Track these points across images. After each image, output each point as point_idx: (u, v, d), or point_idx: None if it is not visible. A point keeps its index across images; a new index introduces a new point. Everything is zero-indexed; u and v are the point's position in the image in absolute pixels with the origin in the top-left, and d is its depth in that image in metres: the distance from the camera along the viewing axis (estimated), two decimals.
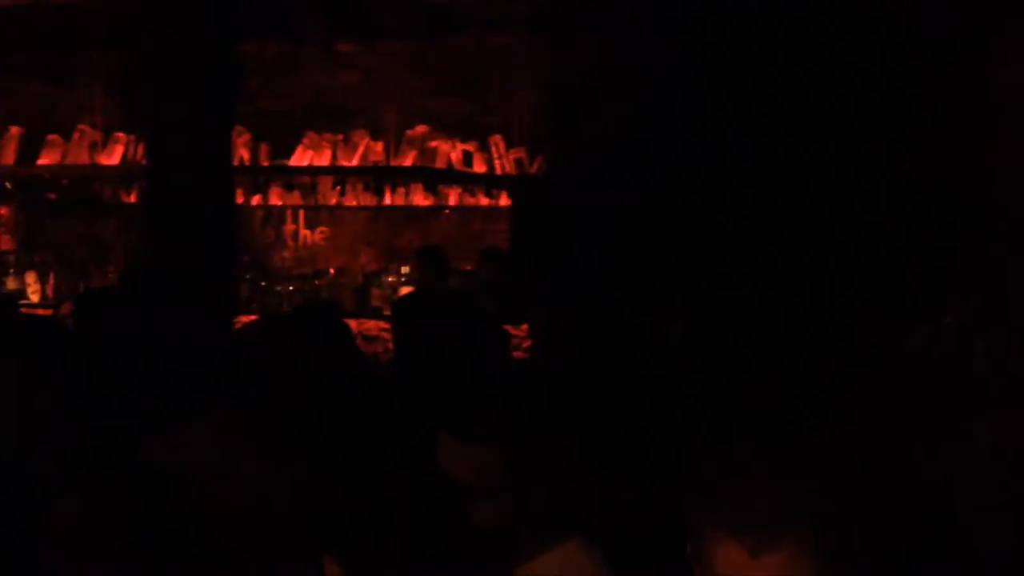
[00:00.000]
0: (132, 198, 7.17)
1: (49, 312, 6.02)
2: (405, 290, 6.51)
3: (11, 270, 7.09)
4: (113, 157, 7.01)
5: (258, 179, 7.09)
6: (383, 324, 6.44)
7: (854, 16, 5.60)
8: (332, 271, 7.38)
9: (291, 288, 7.01)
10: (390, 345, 5.26)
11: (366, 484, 1.69)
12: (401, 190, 7.46)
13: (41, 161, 7.06)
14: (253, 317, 4.91)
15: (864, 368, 2.51)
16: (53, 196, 7.33)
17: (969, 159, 5.14)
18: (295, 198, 7.46)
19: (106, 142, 7.05)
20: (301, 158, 6.92)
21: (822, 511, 1.31)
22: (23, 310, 5.13)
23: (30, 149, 7.18)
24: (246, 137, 6.97)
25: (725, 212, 6.18)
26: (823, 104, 5.90)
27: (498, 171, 7.29)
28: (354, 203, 7.46)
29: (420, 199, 7.49)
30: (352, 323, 6.20)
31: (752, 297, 3.01)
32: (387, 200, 7.48)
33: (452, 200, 7.59)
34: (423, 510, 1.76)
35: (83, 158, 7.01)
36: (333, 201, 7.42)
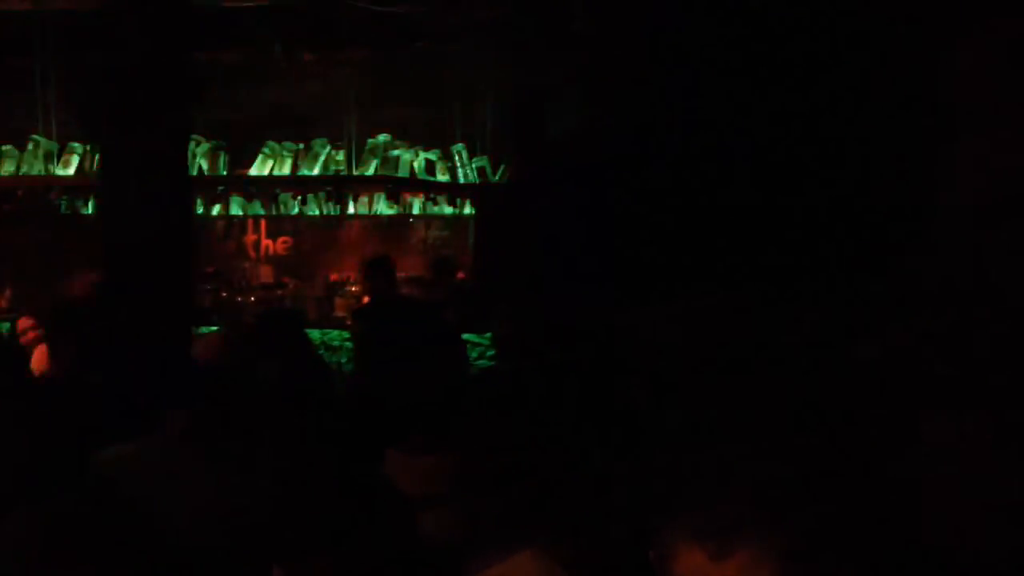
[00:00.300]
0: (89, 209, 7.08)
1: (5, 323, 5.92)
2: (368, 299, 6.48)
3: None
4: (69, 168, 6.92)
5: (217, 189, 7.02)
6: (346, 334, 6.40)
7: (810, 27, 5.68)
8: (290, 281, 7.32)
9: (252, 298, 6.95)
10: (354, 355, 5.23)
11: (320, 494, 1.67)
12: (364, 199, 7.43)
13: None
14: (214, 328, 4.87)
15: (823, 372, 2.53)
16: (8, 207, 7.22)
17: (923, 169, 5.22)
18: (256, 208, 7.40)
19: (62, 153, 6.96)
20: (261, 168, 6.87)
21: (782, 513, 1.32)
22: None
23: None
24: (205, 147, 6.91)
25: (686, 217, 6.23)
26: (780, 108, 5.97)
27: (461, 179, 7.29)
28: (317, 212, 7.42)
29: (385, 208, 7.47)
30: (315, 333, 6.20)
31: (708, 303, 3.03)
32: (350, 209, 7.46)
33: (416, 209, 7.59)
34: (370, 521, 1.74)
35: (38, 169, 6.91)
36: (295, 210, 7.39)
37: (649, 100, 6.33)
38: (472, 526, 1.72)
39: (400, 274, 7.48)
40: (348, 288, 7.05)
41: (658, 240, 6.20)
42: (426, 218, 7.75)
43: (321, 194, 7.10)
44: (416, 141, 7.25)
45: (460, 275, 7.45)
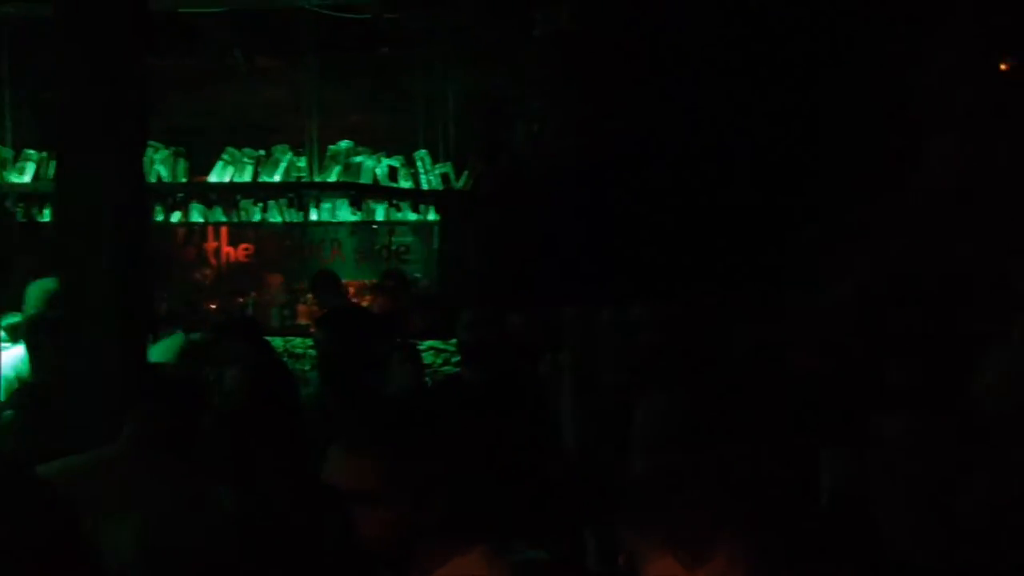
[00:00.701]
0: (46, 217, 6.96)
1: None
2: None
3: None
4: (25, 175, 6.81)
5: (176, 196, 6.94)
6: (309, 341, 6.34)
7: (757, 38, 5.73)
8: (251, 289, 7.26)
9: (213, 306, 6.87)
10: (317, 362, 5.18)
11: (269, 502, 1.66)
12: (328, 205, 7.37)
13: None
14: (174, 335, 4.80)
15: (771, 379, 2.55)
16: None
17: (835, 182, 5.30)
18: (217, 215, 7.32)
19: (17, 159, 6.85)
20: (221, 174, 6.81)
21: (751, 521, 1.33)
22: None
23: None
24: (164, 154, 6.83)
25: (648, 227, 6.28)
26: (745, 114, 6.02)
27: (424, 186, 7.26)
28: (279, 219, 7.35)
29: (347, 214, 7.41)
30: (278, 341, 6.13)
31: (660, 311, 3.05)
32: (313, 216, 7.39)
33: (380, 215, 7.53)
34: (309, 524, 1.72)
35: None
36: (257, 217, 7.31)
37: (613, 106, 6.37)
38: (414, 526, 1.70)
39: (363, 282, 7.45)
40: (311, 295, 6.99)
41: (623, 244, 6.23)
42: (390, 224, 7.70)
43: (283, 201, 7.04)
44: (379, 147, 7.22)
45: (423, 282, 7.44)
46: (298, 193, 6.85)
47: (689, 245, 6.04)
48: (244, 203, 7.20)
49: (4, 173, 6.83)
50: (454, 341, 6.22)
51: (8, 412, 3.19)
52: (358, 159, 7.00)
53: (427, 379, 5.07)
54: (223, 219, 7.33)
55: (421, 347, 5.33)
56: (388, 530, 1.64)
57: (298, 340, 6.47)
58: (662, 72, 6.13)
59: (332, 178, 6.89)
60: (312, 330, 6.40)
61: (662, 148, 6.20)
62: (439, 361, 6.60)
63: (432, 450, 1.75)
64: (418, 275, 7.50)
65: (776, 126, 5.80)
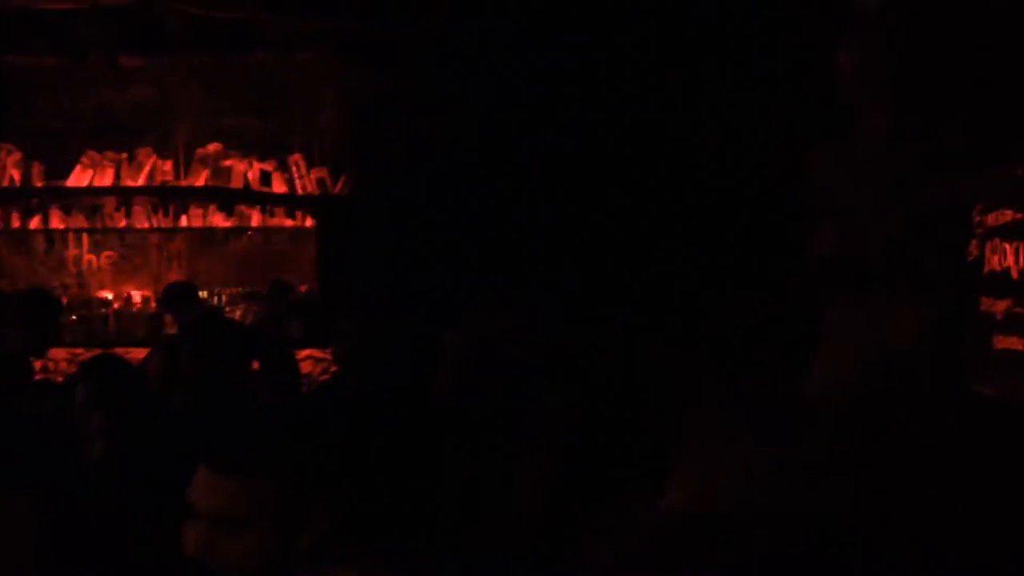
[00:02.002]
0: None
1: None
2: None
3: None
4: None
5: (31, 201, 6.59)
6: None
7: (637, 44, 5.79)
8: (115, 298, 6.95)
9: (74, 318, 6.54)
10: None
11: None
12: (199, 211, 7.12)
13: None
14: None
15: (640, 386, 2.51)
16: None
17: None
18: (79, 221, 6.99)
19: None
20: (80, 178, 6.49)
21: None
22: None
23: None
24: (17, 156, 6.48)
25: (522, 232, 6.26)
26: (626, 116, 6.07)
27: (299, 191, 7.07)
28: (146, 225, 7.07)
29: (221, 220, 7.17)
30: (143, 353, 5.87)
31: (525, 314, 2.99)
32: (183, 222, 7.13)
33: (255, 221, 7.31)
34: (173, 546, 1.62)
35: None
36: (123, 224, 7.00)
37: (497, 112, 6.33)
38: (283, 552, 1.61)
39: (237, 289, 7.22)
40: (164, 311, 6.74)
41: (507, 248, 6.19)
42: (265, 231, 7.48)
43: (147, 206, 6.77)
44: (251, 151, 7.00)
45: (303, 289, 7.25)
46: (163, 198, 6.59)
47: (574, 249, 6.04)
48: (108, 209, 6.91)
49: None
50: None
51: None
52: (228, 163, 6.77)
53: (304, 389, 4.94)
54: (85, 225, 7.01)
55: (299, 357, 5.19)
56: (254, 557, 1.57)
57: None
58: (548, 78, 6.12)
59: (200, 182, 6.65)
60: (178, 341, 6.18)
61: (548, 152, 6.19)
62: (317, 371, 6.45)
63: (305, 469, 1.67)
64: (296, 283, 7.32)
65: (662, 132, 5.85)
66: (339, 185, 7.16)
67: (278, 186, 7.05)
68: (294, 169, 7.05)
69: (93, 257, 7.13)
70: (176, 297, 5.71)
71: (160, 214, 7.00)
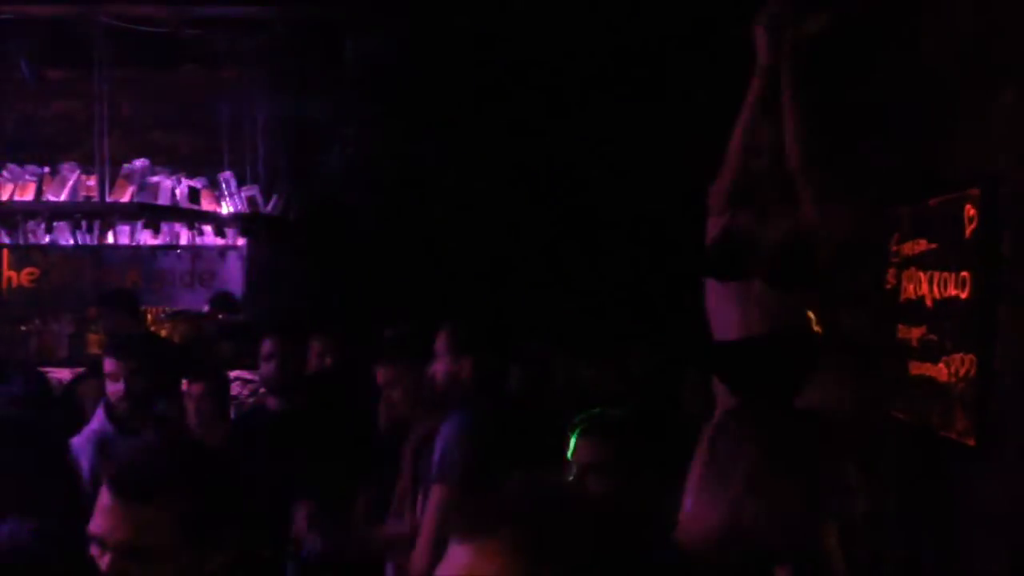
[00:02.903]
0: None
1: None
2: None
3: None
4: None
5: None
6: None
7: (559, 72, 5.84)
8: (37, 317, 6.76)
9: None
10: None
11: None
12: (126, 228, 6.97)
13: None
14: None
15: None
16: None
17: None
18: None
19: None
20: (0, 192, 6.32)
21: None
22: None
23: None
24: None
25: (449, 256, 6.26)
26: (539, 147, 6.11)
27: (229, 209, 6.97)
28: (70, 242, 6.90)
29: (148, 237, 7.03)
30: (66, 373, 5.72)
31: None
32: (109, 239, 6.97)
33: (183, 239, 7.18)
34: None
35: None
36: (45, 240, 6.82)
37: (427, 134, 6.33)
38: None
39: (162, 309, 7.08)
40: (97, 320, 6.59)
41: (437, 271, 6.17)
42: (194, 249, 7.35)
43: (70, 222, 6.61)
44: (180, 168, 6.89)
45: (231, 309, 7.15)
46: (87, 214, 6.44)
47: (503, 273, 6.05)
48: (30, 225, 6.73)
49: None
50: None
51: None
52: (156, 179, 6.65)
53: (232, 411, 4.86)
54: (5, 241, 6.82)
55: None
56: None
57: None
58: (478, 103, 6.14)
59: (125, 198, 6.51)
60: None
61: (477, 178, 6.20)
62: (246, 392, 6.35)
63: (224, 497, 1.62)
64: (225, 302, 7.21)
65: (592, 153, 5.89)
66: (270, 204, 7.08)
67: (207, 204, 6.94)
68: (224, 187, 6.95)
69: (13, 274, 6.94)
70: (121, 300, 5.55)
71: (84, 230, 6.84)
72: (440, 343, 2.97)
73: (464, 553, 1.08)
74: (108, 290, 5.79)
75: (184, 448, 1.82)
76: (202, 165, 6.99)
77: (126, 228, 6.98)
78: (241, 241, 7.18)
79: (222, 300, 6.81)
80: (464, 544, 1.09)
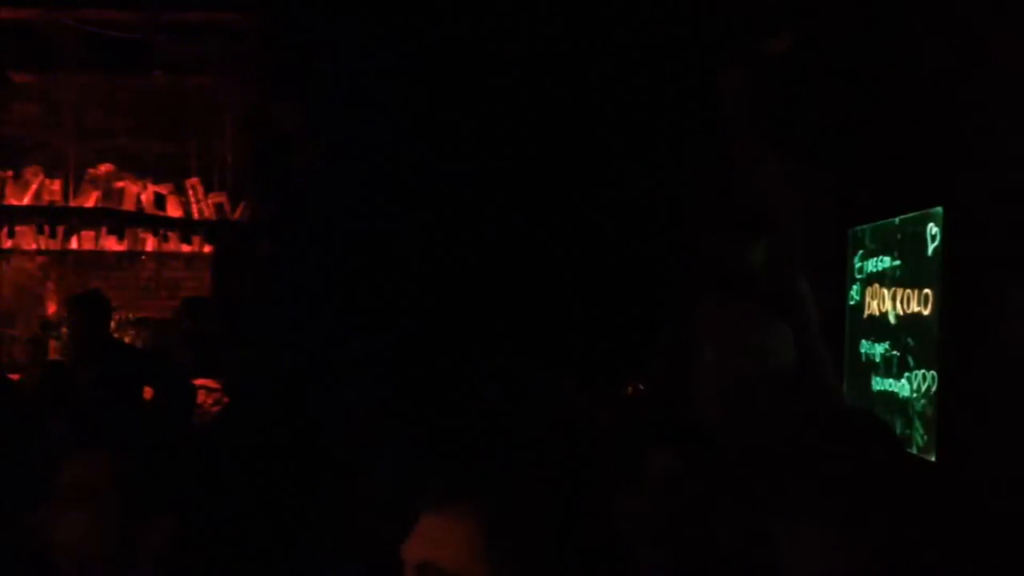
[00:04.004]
0: None
1: None
2: None
3: None
4: None
5: None
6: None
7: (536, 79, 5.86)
8: None
9: None
10: None
11: None
12: (90, 233, 6.88)
13: None
14: None
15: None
16: None
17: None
18: None
19: None
20: None
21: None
22: None
23: None
24: None
25: (416, 265, 6.24)
26: (504, 155, 6.12)
27: (196, 216, 6.91)
28: (33, 247, 6.80)
29: (113, 244, 6.94)
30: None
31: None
32: (73, 244, 6.88)
33: (149, 246, 7.10)
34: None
35: None
36: (7, 244, 6.73)
37: (397, 143, 6.31)
38: (125, 540, 1.55)
39: (127, 315, 6.99)
40: (64, 329, 6.49)
41: (404, 281, 6.15)
42: (159, 256, 7.27)
43: (33, 227, 6.52)
44: (146, 173, 6.82)
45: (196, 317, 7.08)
46: (51, 218, 6.35)
47: (472, 282, 6.04)
48: None
49: None
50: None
51: None
52: (121, 184, 6.57)
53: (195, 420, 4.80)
54: None
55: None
56: (94, 537, 1.52)
57: None
58: (449, 107, 6.13)
59: (90, 203, 6.44)
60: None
61: (449, 184, 6.19)
62: (210, 401, 6.29)
63: (153, 452, 1.64)
64: (190, 309, 7.14)
65: (567, 158, 5.90)
66: (238, 211, 7.03)
67: (173, 210, 6.87)
68: (191, 193, 6.88)
69: None
70: (86, 306, 5.46)
71: (47, 235, 6.75)
72: None
73: (434, 520, 1.20)
74: (81, 293, 5.71)
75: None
76: (169, 171, 6.91)
77: (89, 233, 6.90)
78: (208, 248, 7.12)
79: (188, 308, 6.75)
80: (434, 513, 1.21)
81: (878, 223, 3.50)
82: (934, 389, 2.96)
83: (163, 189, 6.80)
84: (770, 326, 2.78)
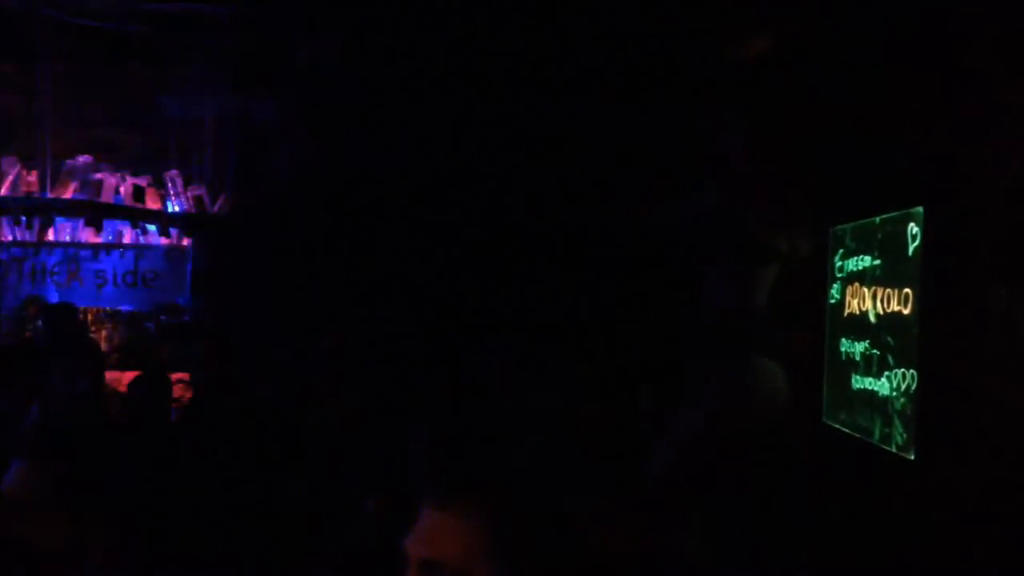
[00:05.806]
0: None
1: None
2: None
3: None
4: None
5: None
6: None
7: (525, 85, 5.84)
8: None
9: None
10: None
11: None
12: (67, 225, 6.81)
13: None
14: None
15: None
16: None
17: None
18: None
19: None
20: None
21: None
22: None
23: None
24: None
25: (406, 257, 6.22)
26: (481, 155, 6.11)
27: (175, 208, 6.85)
28: (9, 238, 6.72)
29: (90, 236, 6.87)
30: None
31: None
32: (50, 236, 6.81)
33: (127, 238, 7.04)
34: None
35: None
36: None
37: (372, 138, 6.28)
38: (76, 548, 1.53)
39: (101, 310, 6.94)
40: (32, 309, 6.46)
41: (381, 274, 6.13)
42: (138, 248, 7.21)
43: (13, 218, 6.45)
44: (124, 165, 6.76)
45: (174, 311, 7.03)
46: (26, 210, 6.28)
47: (447, 274, 6.02)
48: None
49: None
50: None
51: None
52: (99, 176, 6.51)
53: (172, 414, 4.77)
54: None
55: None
56: (45, 544, 1.50)
57: None
58: (426, 104, 6.11)
59: (68, 195, 6.37)
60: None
61: (425, 181, 6.17)
62: (188, 396, 6.24)
63: (99, 461, 1.62)
64: (169, 303, 7.09)
65: (542, 159, 5.88)
66: (217, 204, 6.97)
67: (152, 202, 6.81)
68: (170, 185, 6.82)
69: None
70: (58, 315, 5.45)
71: (24, 226, 6.68)
72: None
73: (437, 518, 1.21)
74: (49, 307, 5.69)
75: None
76: (148, 163, 6.85)
77: (67, 225, 6.83)
78: (186, 241, 7.06)
79: (165, 308, 6.70)
80: (436, 510, 1.22)
81: (859, 222, 3.50)
82: (913, 388, 2.97)
83: (142, 181, 6.74)
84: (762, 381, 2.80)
